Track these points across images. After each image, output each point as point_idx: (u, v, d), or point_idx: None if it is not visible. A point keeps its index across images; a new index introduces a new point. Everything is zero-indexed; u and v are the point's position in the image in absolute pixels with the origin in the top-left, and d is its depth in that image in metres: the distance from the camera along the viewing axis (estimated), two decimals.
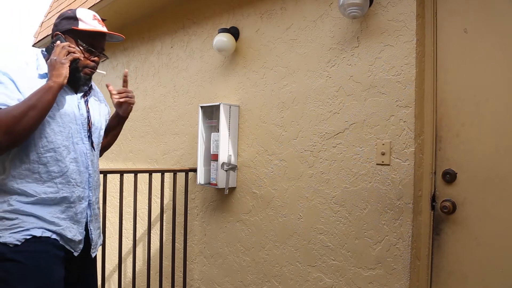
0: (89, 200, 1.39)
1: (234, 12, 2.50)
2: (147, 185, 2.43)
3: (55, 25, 1.38)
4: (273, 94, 2.21)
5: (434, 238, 1.64)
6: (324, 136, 1.95)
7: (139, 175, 2.37)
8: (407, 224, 1.63)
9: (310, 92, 2.02)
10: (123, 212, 2.31)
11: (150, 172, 2.44)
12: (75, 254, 1.35)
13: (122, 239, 2.35)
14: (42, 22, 4.49)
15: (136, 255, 2.57)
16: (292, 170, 2.09)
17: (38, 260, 1.22)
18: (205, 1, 2.74)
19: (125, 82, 1.59)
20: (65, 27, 1.35)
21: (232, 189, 2.41)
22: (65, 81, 1.26)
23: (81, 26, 1.34)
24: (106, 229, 2.33)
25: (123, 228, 2.46)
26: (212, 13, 2.68)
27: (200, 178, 2.46)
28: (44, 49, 1.40)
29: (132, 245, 2.60)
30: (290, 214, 2.09)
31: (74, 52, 1.29)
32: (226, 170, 2.31)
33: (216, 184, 2.35)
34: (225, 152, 2.33)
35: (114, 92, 1.54)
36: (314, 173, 1.98)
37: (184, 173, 2.61)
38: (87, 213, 1.39)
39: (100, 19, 1.41)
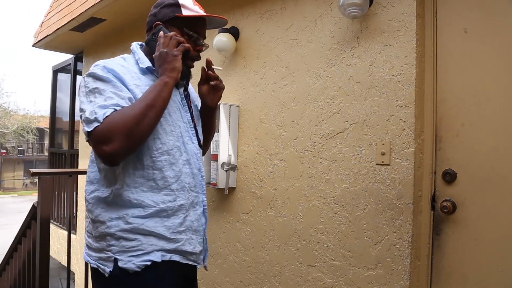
0: (203, 206, 1.25)
1: (234, 12, 2.50)
2: None
3: (153, 15, 1.22)
4: (273, 94, 2.21)
5: (434, 238, 1.64)
6: (324, 136, 1.95)
7: None
8: (407, 224, 1.63)
9: (310, 92, 2.02)
10: None
11: None
12: (199, 266, 1.23)
13: None
14: (42, 22, 4.49)
15: None
16: (292, 170, 2.09)
17: None
18: (205, 1, 2.74)
19: (209, 69, 1.34)
20: (168, 15, 1.19)
21: (232, 189, 2.41)
22: (179, 75, 1.12)
23: (185, 12, 1.19)
24: None
25: None
26: (212, 13, 2.67)
27: None
28: (138, 42, 1.27)
29: None
30: (290, 214, 2.09)
31: (183, 42, 1.14)
32: (226, 170, 2.31)
33: (216, 184, 2.35)
34: (225, 152, 2.33)
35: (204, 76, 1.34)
36: (314, 173, 1.98)
37: None
38: (203, 221, 1.25)
39: (198, 3, 1.26)
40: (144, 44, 1.26)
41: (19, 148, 26.81)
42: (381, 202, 1.72)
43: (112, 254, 1.08)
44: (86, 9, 3.27)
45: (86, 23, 3.61)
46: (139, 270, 1.06)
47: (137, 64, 1.18)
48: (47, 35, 4.17)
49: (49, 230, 1.94)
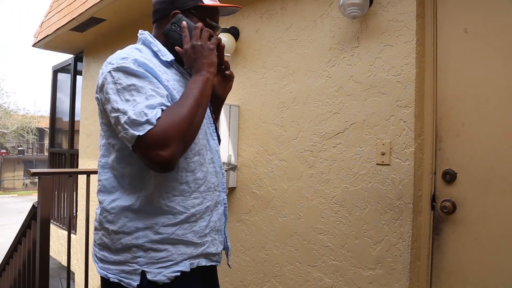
0: (224, 204, 1.18)
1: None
2: None
3: (169, 2, 1.09)
4: (273, 94, 2.21)
5: (434, 238, 1.64)
6: (324, 136, 1.95)
7: None
8: (407, 224, 1.63)
9: (310, 92, 2.02)
10: None
11: None
12: (218, 265, 1.18)
13: None
14: (42, 22, 4.49)
15: None
16: (292, 170, 2.09)
17: None
18: None
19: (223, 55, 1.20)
20: (188, 3, 1.08)
21: (232, 189, 2.41)
22: (215, 70, 1.03)
23: (206, 1, 1.10)
24: None
25: None
26: None
27: None
28: (146, 32, 1.13)
29: None
30: (290, 214, 2.09)
31: (214, 35, 1.04)
32: (226, 170, 2.31)
33: None
34: (225, 152, 2.33)
35: None
36: (314, 173, 1.98)
37: None
38: (223, 219, 1.19)
39: None
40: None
41: (19, 148, 26.81)
42: (381, 202, 1.72)
43: (138, 267, 1.00)
44: (86, 9, 3.27)
45: (86, 23, 3.61)
46: (168, 281, 1.00)
47: (156, 56, 1.07)
48: (47, 35, 4.17)
49: (49, 230, 1.94)
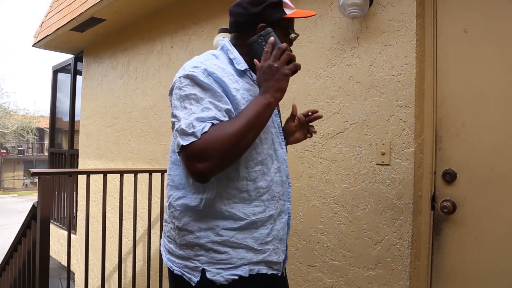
0: (288, 213, 1.19)
1: None
2: (147, 185, 2.43)
3: (255, 14, 1.08)
4: None
5: (434, 238, 1.64)
6: (324, 136, 1.95)
7: (139, 175, 2.37)
8: (407, 224, 1.63)
9: (310, 92, 2.02)
10: (123, 212, 2.31)
11: (150, 172, 2.44)
12: (279, 274, 1.18)
13: (122, 239, 2.35)
14: (42, 22, 4.49)
15: (136, 255, 2.57)
16: (292, 170, 2.09)
17: None
18: (205, 1, 2.74)
19: (312, 120, 1.30)
20: (274, 16, 1.08)
21: None
22: (282, 96, 1.01)
23: (288, 12, 1.10)
24: (106, 229, 2.33)
25: (123, 228, 2.46)
26: (212, 13, 2.68)
27: None
28: (226, 38, 1.15)
29: (132, 245, 2.60)
30: None
31: (294, 59, 1.00)
32: None
33: None
34: None
35: (299, 114, 1.30)
36: (314, 173, 1.98)
37: None
38: (287, 229, 1.20)
39: None
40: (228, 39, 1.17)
41: (19, 148, 26.81)
42: (381, 202, 1.72)
43: (200, 264, 1.05)
44: (86, 9, 3.28)
45: (86, 23, 3.61)
46: (226, 283, 1.03)
47: (232, 64, 1.09)
48: (47, 35, 4.17)
49: (49, 230, 1.94)
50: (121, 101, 3.66)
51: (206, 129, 0.92)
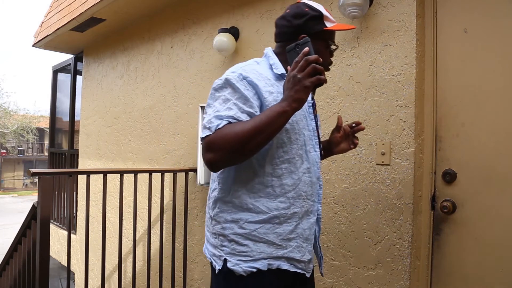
0: (317, 214, 1.26)
1: (234, 12, 2.50)
2: (147, 185, 2.43)
3: (297, 26, 1.17)
4: None
5: (434, 238, 1.64)
6: (324, 136, 1.95)
7: (139, 175, 2.37)
8: (407, 224, 1.63)
9: None
10: (123, 212, 2.31)
11: (150, 172, 2.44)
12: (308, 275, 1.22)
13: (122, 239, 2.35)
14: (42, 22, 4.49)
15: (136, 255, 2.57)
16: None
17: None
18: (205, 1, 2.74)
19: (356, 132, 1.36)
20: (315, 28, 1.17)
21: None
22: (301, 107, 1.03)
23: (328, 25, 1.18)
24: (106, 229, 2.33)
25: (123, 228, 2.46)
26: (212, 13, 2.68)
27: (200, 178, 2.46)
28: (271, 48, 1.22)
29: (132, 245, 2.60)
30: None
31: (321, 72, 1.01)
32: None
33: None
34: None
35: (344, 125, 1.36)
36: None
37: (184, 173, 2.61)
38: (315, 229, 1.26)
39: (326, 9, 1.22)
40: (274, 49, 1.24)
41: (19, 148, 26.81)
42: (381, 202, 1.72)
43: (223, 254, 1.13)
44: (86, 9, 3.27)
45: (86, 23, 3.61)
46: (244, 274, 1.10)
47: (271, 69, 1.18)
48: (47, 35, 4.17)
49: (49, 230, 1.94)
50: (121, 101, 3.66)
51: (221, 126, 1.02)
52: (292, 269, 1.15)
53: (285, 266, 1.14)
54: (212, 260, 1.17)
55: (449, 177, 1.60)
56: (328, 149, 1.40)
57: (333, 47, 1.23)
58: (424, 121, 1.67)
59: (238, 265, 1.10)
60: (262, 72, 1.13)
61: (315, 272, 1.40)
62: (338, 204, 1.87)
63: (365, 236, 1.77)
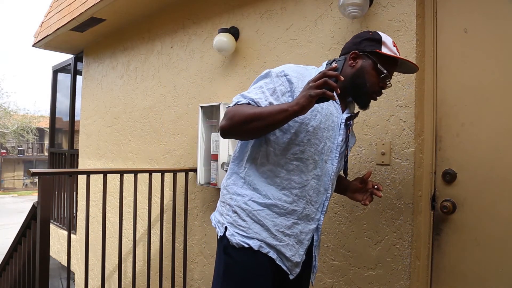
0: (318, 224, 1.32)
1: (234, 12, 2.50)
2: (147, 185, 2.43)
3: (354, 43, 1.29)
4: None
5: (434, 238, 1.64)
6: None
7: (139, 175, 2.37)
8: (407, 224, 1.63)
9: None
10: (123, 212, 2.31)
11: (150, 172, 2.44)
12: (291, 277, 1.26)
13: (122, 239, 2.35)
14: (42, 22, 4.49)
15: (136, 255, 2.57)
16: None
17: (246, 270, 1.21)
18: (205, 1, 2.74)
19: (374, 188, 1.39)
20: (367, 48, 1.26)
21: None
22: (303, 112, 1.07)
23: (384, 50, 1.25)
24: (106, 229, 2.33)
25: (123, 228, 2.46)
26: (212, 13, 2.68)
27: (200, 178, 2.46)
28: (333, 60, 1.26)
29: (132, 245, 2.60)
30: None
31: (334, 87, 1.03)
32: (226, 170, 2.31)
33: (216, 184, 2.35)
34: (225, 152, 2.33)
35: (369, 180, 1.40)
36: None
37: (184, 173, 2.61)
38: (313, 237, 1.32)
39: (396, 46, 1.30)
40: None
41: (19, 148, 26.80)
42: (381, 202, 1.72)
43: (225, 222, 1.25)
44: (86, 9, 3.27)
45: (86, 23, 3.61)
46: (236, 246, 1.20)
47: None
48: (47, 35, 4.17)
49: (49, 230, 1.94)
50: (121, 101, 3.66)
51: (240, 103, 1.19)
52: (279, 262, 1.22)
53: (274, 255, 1.21)
54: (216, 226, 1.27)
55: (449, 177, 1.60)
56: (344, 189, 1.46)
57: (384, 76, 1.26)
58: (424, 121, 1.67)
59: (233, 236, 1.21)
60: (305, 74, 1.24)
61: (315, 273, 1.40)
62: (338, 204, 1.87)
63: (365, 236, 1.77)
